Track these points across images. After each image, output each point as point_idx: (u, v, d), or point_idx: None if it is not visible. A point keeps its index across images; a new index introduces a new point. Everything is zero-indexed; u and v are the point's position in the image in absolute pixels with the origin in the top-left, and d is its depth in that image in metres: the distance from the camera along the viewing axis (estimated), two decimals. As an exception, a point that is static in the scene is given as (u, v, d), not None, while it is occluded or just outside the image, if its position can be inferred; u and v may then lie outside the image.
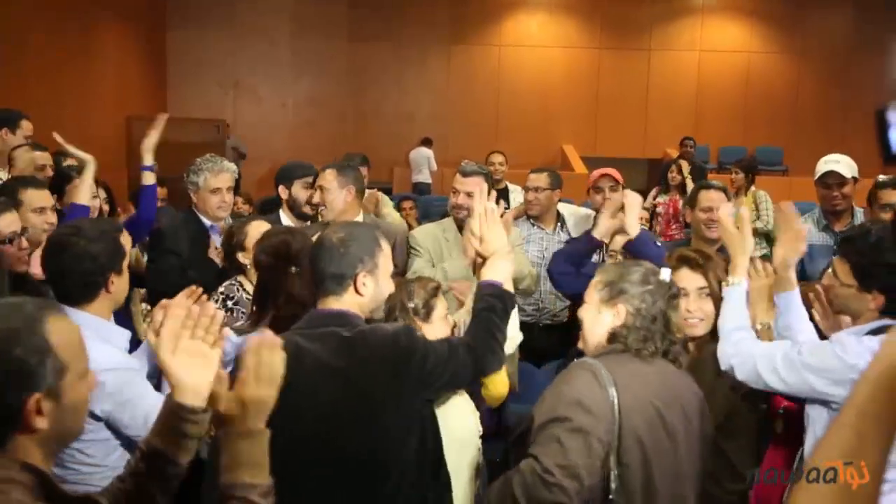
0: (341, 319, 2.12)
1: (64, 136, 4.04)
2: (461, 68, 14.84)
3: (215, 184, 3.93)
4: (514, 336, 2.59)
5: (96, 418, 2.24)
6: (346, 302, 2.16)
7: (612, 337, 2.17)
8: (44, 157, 4.46)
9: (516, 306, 2.55)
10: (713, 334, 2.63)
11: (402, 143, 13.46)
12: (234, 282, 3.32)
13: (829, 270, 2.50)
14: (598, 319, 2.21)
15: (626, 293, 2.17)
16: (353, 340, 2.08)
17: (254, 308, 2.78)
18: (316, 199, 3.88)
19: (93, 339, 2.21)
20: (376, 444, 2.05)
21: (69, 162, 4.79)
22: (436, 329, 2.50)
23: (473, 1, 14.65)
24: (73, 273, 2.34)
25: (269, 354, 1.58)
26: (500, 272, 2.36)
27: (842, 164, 4.20)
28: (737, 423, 2.58)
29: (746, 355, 2.41)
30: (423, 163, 12.97)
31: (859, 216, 4.43)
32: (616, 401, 2.00)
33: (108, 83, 11.10)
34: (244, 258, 3.36)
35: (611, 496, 1.97)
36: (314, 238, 2.26)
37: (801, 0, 14.51)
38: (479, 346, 2.20)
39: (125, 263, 2.44)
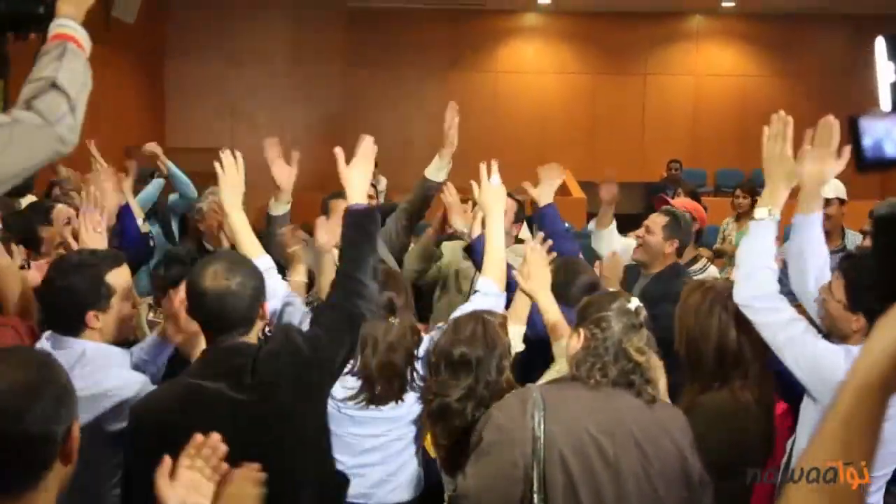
0: (248, 350, 2.09)
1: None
2: (458, 94, 14.69)
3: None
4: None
5: (112, 438, 2.19)
6: (251, 335, 2.13)
7: (575, 362, 2.14)
8: None
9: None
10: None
11: (401, 168, 13.46)
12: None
13: (826, 285, 2.45)
14: (570, 343, 2.20)
15: (586, 318, 2.16)
16: (253, 366, 2.06)
17: None
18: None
19: (96, 368, 2.20)
20: (288, 463, 2.00)
21: (65, 175, 4.71)
22: None
23: (470, 28, 14.75)
24: (53, 307, 2.31)
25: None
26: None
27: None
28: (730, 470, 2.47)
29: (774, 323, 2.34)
30: None
31: (850, 237, 4.43)
32: (541, 426, 1.99)
33: (107, 113, 11.13)
34: None
35: None
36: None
37: (796, 23, 14.59)
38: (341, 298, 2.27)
39: (115, 300, 2.31)
